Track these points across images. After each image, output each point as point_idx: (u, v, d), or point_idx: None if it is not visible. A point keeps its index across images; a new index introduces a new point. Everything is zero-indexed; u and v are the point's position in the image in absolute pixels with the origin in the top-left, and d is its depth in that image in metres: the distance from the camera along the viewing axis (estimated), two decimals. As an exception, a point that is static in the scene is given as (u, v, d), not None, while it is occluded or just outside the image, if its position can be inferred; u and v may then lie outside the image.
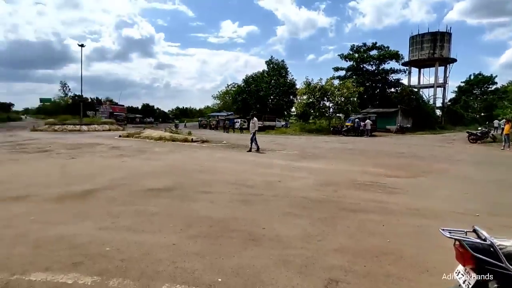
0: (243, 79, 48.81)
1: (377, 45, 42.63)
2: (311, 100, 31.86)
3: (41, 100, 71.66)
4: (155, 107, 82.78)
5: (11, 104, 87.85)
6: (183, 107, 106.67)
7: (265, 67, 49.96)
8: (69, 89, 75.66)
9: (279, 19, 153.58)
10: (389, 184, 6.71)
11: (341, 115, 34.00)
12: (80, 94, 45.49)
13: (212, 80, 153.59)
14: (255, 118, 13.20)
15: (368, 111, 34.20)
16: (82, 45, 33.70)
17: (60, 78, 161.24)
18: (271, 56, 53.39)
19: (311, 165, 9.16)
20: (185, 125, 50.50)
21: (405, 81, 44.68)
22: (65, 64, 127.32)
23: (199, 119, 59.12)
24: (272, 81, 46.79)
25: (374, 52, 42.37)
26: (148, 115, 65.20)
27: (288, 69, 48.64)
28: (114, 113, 45.43)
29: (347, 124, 28.52)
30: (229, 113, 55.28)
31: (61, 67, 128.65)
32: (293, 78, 48.49)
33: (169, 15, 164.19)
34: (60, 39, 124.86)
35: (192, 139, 17.39)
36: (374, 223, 4.20)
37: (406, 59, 44.15)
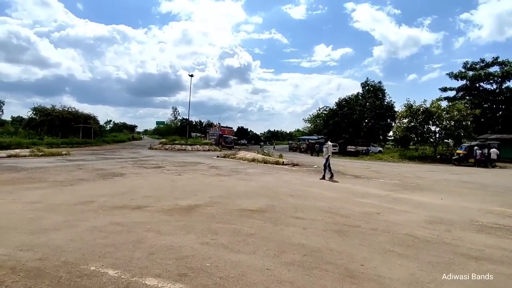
0: (335, 102, 48.08)
1: (499, 60, 36.45)
2: (412, 124, 28.92)
3: (157, 123, 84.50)
4: (249, 130, 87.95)
5: (135, 126, 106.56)
6: (274, 130, 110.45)
7: (359, 89, 48.27)
8: (179, 113, 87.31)
9: (375, 39, 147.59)
10: (525, 229, 5.41)
11: (449, 141, 29.74)
12: (187, 118, 52.38)
13: (304, 104, 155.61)
14: (329, 142, 12.09)
15: (487, 137, 29.03)
16: (191, 75, 38.84)
17: (172, 103, 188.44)
18: (367, 78, 51.01)
19: (415, 198, 8.16)
20: (274, 147, 52.00)
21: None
22: (177, 91, 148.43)
23: (289, 142, 60.13)
24: (367, 103, 44.56)
25: (495, 69, 36.30)
26: (242, 137, 69.77)
27: (385, 91, 45.90)
28: (224, 135, 44.94)
29: (458, 151, 24.65)
30: (320, 137, 54.51)
31: (174, 95, 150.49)
32: (391, 100, 45.37)
33: (265, 44, 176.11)
34: (175, 71, 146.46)
35: (283, 162, 17.64)
36: (505, 277, 3.40)
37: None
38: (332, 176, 11.72)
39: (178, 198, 6.96)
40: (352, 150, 38.83)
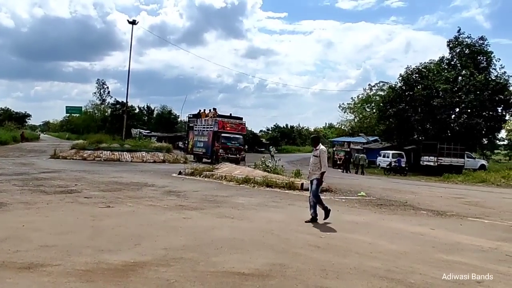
0: (400, 75, 48.18)
1: None
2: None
3: (68, 109, 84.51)
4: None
5: (26, 115, 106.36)
6: (286, 125, 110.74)
7: (445, 52, 48.35)
8: (109, 91, 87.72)
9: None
10: None
11: None
12: (125, 100, 52.05)
13: (341, 77, 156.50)
14: (321, 147, 11.22)
15: None
16: (133, 22, 39.31)
17: (97, 74, 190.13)
18: (459, 30, 50.03)
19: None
20: (272, 156, 48.51)
21: None
22: (106, 52, 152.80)
23: (333, 149, 60.21)
24: (460, 78, 44.65)
25: None
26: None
27: (493, 55, 46.09)
28: (223, 134, 39.93)
29: None
30: (372, 139, 54.73)
31: (101, 58, 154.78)
32: (504, 73, 45.50)
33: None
34: (103, 14, 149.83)
35: (302, 184, 17.60)
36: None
37: None
38: (327, 213, 10.66)
39: (104, 250, 6.89)
40: (432, 164, 38.89)
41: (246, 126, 46.33)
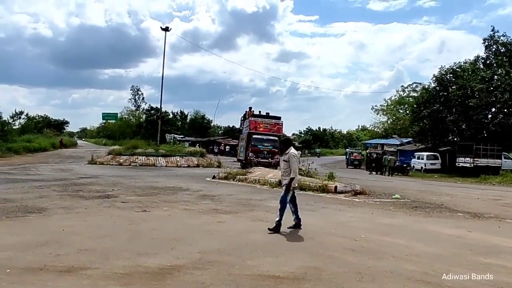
0: (434, 76, 47.48)
1: None
2: None
3: (104, 116, 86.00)
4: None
5: (65, 123, 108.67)
6: (319, 127, 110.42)
7: (480, 51, 47.42)
8: (143, 97, 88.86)
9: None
10: None
11: None
12: (159, 106, 52.57)
13: (374, 79, 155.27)
14: (292, 150, 10.08)
15: None
16: (166, 29, 39.66)
17: (132, 81, 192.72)
18: (492, 29, 48.89)
19: None
20: (297, 159, 50.34)
21: None
22: (141, 59, 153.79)
23: (347, 150, 59.84)
24: (496, 77, 43.69)
25: None
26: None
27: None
28: (254, 135, 36.67)
29: None
30: (406, 140, 54.10)
31: (136, 65, 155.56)
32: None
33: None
34: (137, 22, 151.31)
35: (335, 187, 17.54)
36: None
37: None
38: (297, 223, 9.95)
39: (141, 254, 7.02)
40: (467, 165, 38.14)
41: (281, 125, 39.12)
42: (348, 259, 7.18)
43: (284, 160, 10.10)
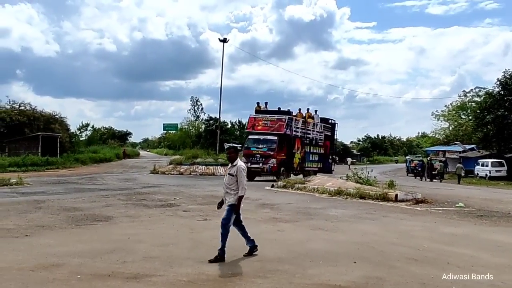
0: (497, 79, 45.76)
1: None
2: None
3: (165, 126, 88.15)
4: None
5: (128, 134, 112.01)
6: (377, 135, 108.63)
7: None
8: (202, 108, 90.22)
9: None
10: None
11: None
12: (218, 116, 53.21)
13: (435, 84, 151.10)
14: (238, 163, 8.05)
15: None
16: (224, 40, 40.31)
17: (191, 92, 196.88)
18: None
19: None
20: (349, 166, 49.69)
21: None
22: (200, 70, 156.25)
23: (407, 158, 58.63)
24: None
25: None
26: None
27: None
28: (249, 136, 31.94)
29: None
30: (468, 147, 52.43)
31: (195, 76, 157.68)
32: None
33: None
34: (196, 34, 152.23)
35: (396, 195, 17.21)
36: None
37: None
38: (252, 246, 8.08)
39: (203, 262, 7.16)
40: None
41: (289, 123, 30.54)
42: (410, 269, 7.06)
43: (229, 174, 8.14)
